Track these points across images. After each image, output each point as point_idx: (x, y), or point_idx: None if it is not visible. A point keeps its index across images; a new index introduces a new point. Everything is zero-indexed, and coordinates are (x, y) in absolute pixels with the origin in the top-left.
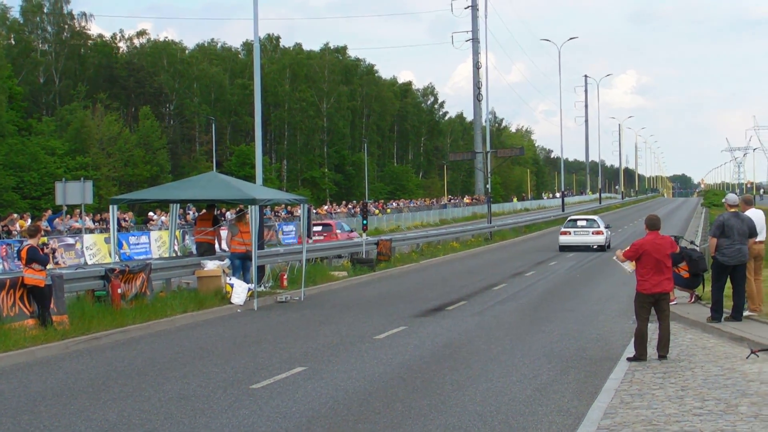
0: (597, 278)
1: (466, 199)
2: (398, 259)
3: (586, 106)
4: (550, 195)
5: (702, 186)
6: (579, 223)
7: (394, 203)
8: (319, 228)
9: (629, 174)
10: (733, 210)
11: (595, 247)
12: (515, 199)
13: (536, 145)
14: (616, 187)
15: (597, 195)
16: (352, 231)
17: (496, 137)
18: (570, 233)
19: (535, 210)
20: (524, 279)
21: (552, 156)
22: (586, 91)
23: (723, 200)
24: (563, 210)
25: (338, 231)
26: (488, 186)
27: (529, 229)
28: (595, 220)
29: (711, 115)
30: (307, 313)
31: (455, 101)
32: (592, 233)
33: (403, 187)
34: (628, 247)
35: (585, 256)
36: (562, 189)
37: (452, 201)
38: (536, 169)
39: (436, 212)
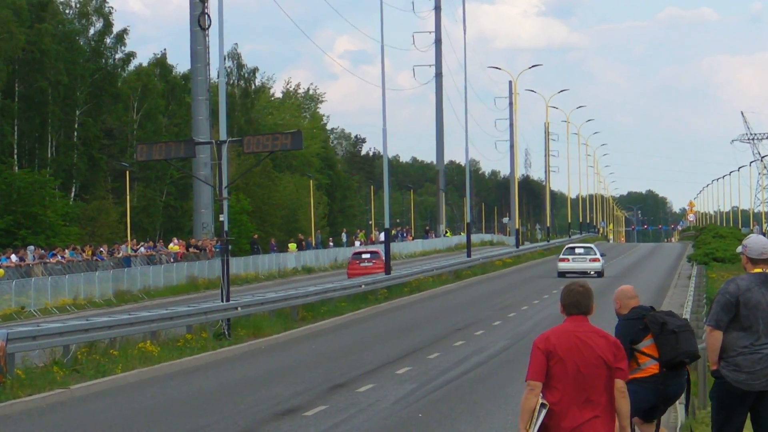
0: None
1: (175, 247)
2: (24, 383)
3: (439, 42)
4: (363, 238)
5: (690, 218)
6: (577, 250)
7: (13, 256)
8: (368, 255)
9: (531, 191)
10: (758, 270)
11: (592, 273)
12: (291, 247)
13: (331, 128)
14: (504, 220)
15: (461, 237)
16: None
17: (241, 110)
18: (569, 260)
19: (322, 272)
20: None
21: (368, 152)
22: (438, 8)
23: (738, 249)
24: (388, 268)
25: (383, 257)
26: (224, 218)
27: (314, 314)
28: (591, 248)
29: (708, 69)
30: None
31: (152, 30)
32: (590, 260)
33: (35, 218)
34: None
35: (429, 378)
36: (387, 226)
37: (142, 250)
38: (331, 180)
39: (108, 275)
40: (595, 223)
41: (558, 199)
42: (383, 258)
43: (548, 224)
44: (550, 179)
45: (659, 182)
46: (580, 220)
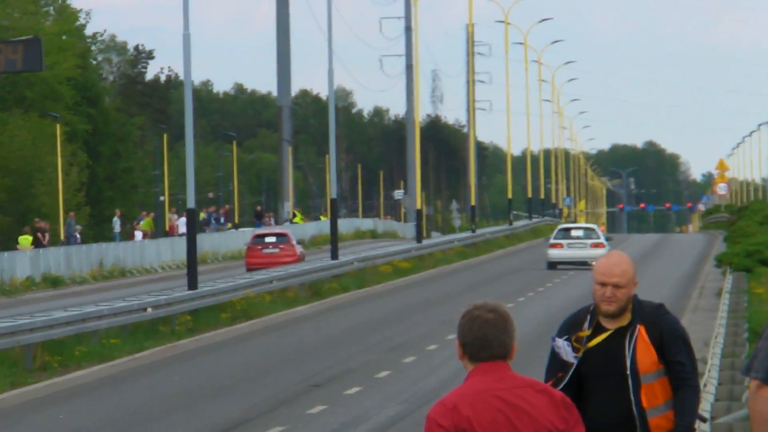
0: None
1: None
2: None
3: None
4: (149, 227)
5: (720, 190)
6: (573, 233)
7: None
8: (273, 239)
9: (444, 144)
10: None
11: (594, 263)
12: (23, 241)
13: (94, 33)
14: (397, 194)
15: (321, 225)
16: (298, 243)
17: None
18: (562, 246)
19: (79, 285)
20: None
21: (158, 76)
22: None
23: None
24: None
25: (294, 243)
26: None
27: (63, 359)
28: (593, 229)
29: None
30: None
31: None
32: (591, 246)
33: None
34: None
35: None
36: (192, 205)
37: None
38: (94, 126)
39: None
40: (555, 200)
41: (492, 158)
42: (294, 242)
43: (473, 201)
44: (475, 123)
45: (666, 129)
46: (530, 195)
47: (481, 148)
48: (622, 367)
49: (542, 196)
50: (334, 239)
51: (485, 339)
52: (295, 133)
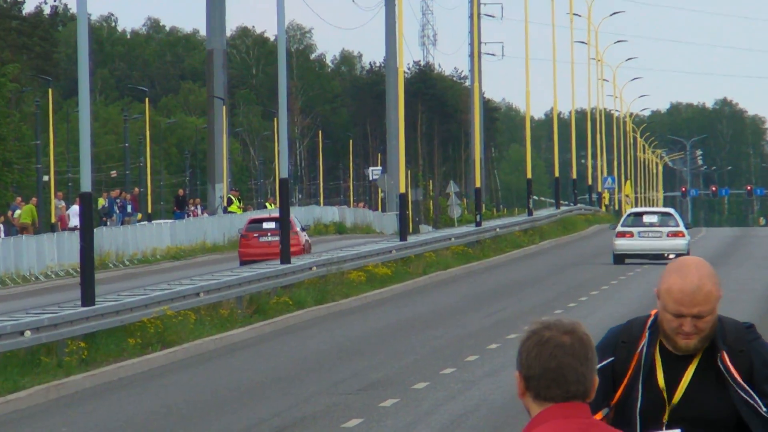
0: None
1: None
2: None
3: None
4: (30, 218)
5: None
6: (646, 219)
7: None
8: (272, 225)
9: (437, 101)
10: None
11: (672, 256)
12: None
13: None
14: (373, 172)
15: (265, 215)
16: (303, 229)
17: None
18: (632, 234)
19: None
20: None
21: (40, 9)
22: None
23: None
24: None
25: (298, 230)
26: None
27: None
28: (671, 215)
29: None
30: None
31: None
32: (668, 235)
33: None
34: None
35: None
36: (88, 188)
37: None
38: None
39: None
40: (592, 182)
41: (504, 122)
42: (298, 229)
43: (478, 183)
44: (481, 74)
45: (746, 83)
46: (557, 174)
47: (489, 108)
48: (708, 409)
49: (574, 175)
50: (284, 235)
51: (560, 371)
52: (232, 87)
